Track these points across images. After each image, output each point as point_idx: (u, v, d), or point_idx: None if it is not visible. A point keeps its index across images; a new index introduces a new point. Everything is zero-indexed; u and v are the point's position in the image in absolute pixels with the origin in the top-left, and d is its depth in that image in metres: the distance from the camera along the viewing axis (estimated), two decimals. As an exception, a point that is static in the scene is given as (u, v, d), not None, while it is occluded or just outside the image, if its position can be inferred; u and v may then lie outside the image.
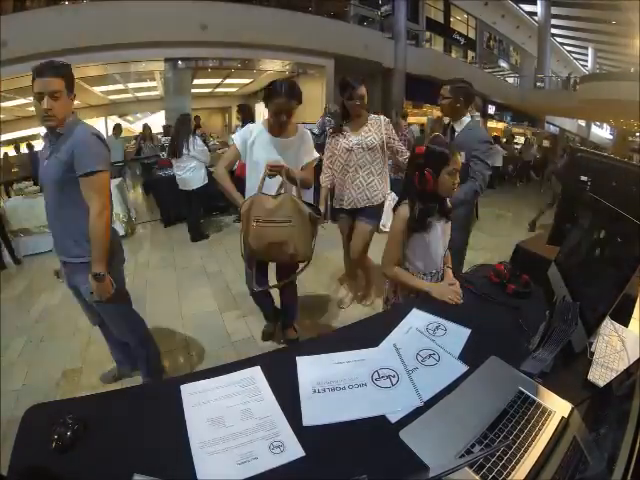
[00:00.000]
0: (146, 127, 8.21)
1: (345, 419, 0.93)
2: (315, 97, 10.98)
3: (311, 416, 0.94)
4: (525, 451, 0.80)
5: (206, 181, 4.68)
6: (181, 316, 3.07)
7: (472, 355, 1.12)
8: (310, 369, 1.09)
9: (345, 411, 0.95)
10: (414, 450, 0.83)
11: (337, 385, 1.04)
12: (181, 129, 4.58)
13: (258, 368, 1.08)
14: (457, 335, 1.22)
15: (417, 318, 1.32)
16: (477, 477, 0.74)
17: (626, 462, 0.61)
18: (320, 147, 2.93)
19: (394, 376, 1.06)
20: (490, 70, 18.77)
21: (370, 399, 0.99)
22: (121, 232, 5.21)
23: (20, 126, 11.99)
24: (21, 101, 10.94)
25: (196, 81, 11.81)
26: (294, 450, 0.85)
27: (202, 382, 1.02)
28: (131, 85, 12.06)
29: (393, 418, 0.92)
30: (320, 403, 0.98)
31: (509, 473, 0.75)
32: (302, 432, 0.88)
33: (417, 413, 0.94)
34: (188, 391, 0.99)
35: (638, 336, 1.19)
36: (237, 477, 0.79)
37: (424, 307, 1.37)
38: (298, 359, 1.12)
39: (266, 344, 2.64)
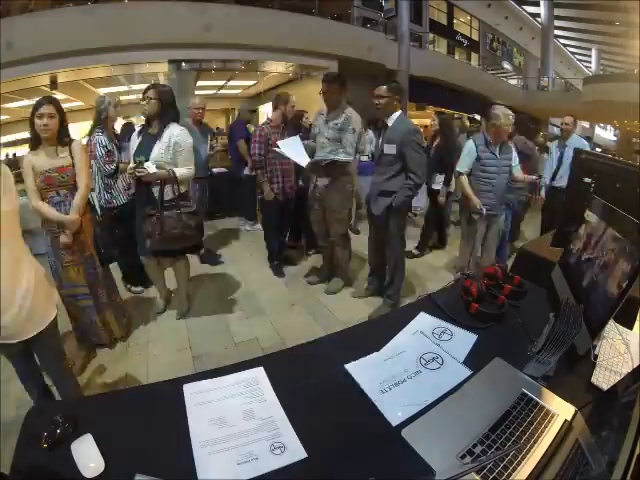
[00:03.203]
0: None
1: (424, 404, 0.96)
2: (318, 99, 10.95)
3: (394, 415, 0.94)
4: (527, 453, 0.79)
5: None
6: (184, 317, 3.08)
7: (476, 359, 1.12)
8: (365, 372, 1.09)
9: (419, 398, 0.98)
10: (416, 449, 0.83)
11: (399, 379, 1.06)
12: None
13: (261, 369, 1.08)
14: (463, 340, 1.22)
15: (423, 322, 1.32)
16: (478, 478, 0.74)
17: (625, 464, 0.61)
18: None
19: (437, 358, 1.12)
20: (493, 72, 18.76)
21: (431, 382, 1.04)
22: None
23: (24, 127, 12.04)
24: (26, 102, 11.00)
25: (200, 82, 11.85)
26: (295, 451, 0.85)
27: (205, 382, 1.03)
28: (135, 87, 12.10)
29: (394, 420, 0.92)
30: (394, 400, 1.00)
31: (510, 474, 0.75)
32: (304, 434, 0.88)
33: (420, 412, 0.93)
34: (191, 391, 1.00)
35: (642, 339, 1.18)
36: (237, 477, 0.79)
37: (431, 311, 1.37)
38: (348, 366, 1.10)
39: (268, 345, 2.65)
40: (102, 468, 0.79)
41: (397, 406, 0.97)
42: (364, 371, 1.08)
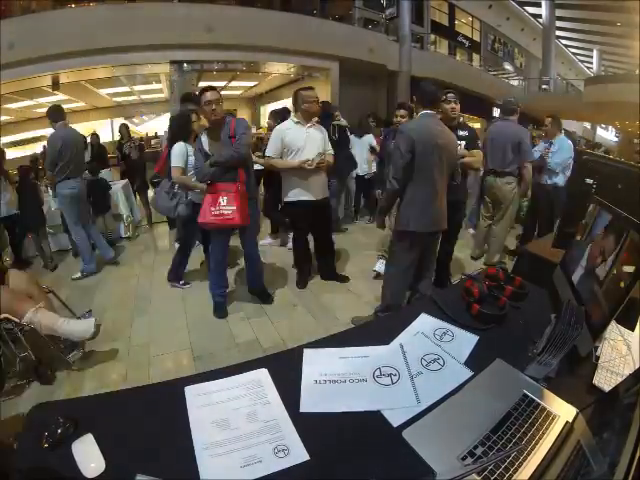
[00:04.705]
0: None
1: (340, 410, 0.95)
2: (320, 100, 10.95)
3: (308, 404, 0.97)
4: (528, 454, 0.79)
5: None
6: (185, 317, 3.08)
7: (478, 360, 1.12)
8: (315, 361, 1.12)
9: (342, 403, 0.97)
10: (416, 450, 0.83)
11: (338, 378, 1.06)
12: None
13: (265, 370, 1.08)
14: (464, 341, 1.21)
15: (425, 323, 1.31)
16: (479, 479, 0.74)
17: (627, 466, 0.61)
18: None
19: (395, 375, 1.07)
20: (495, 73, 18.75)
21: (368, 394, 1.01)
22: (125, 234, 5.27)
23: (26, 127, 12.09)
24: (27, 103, 11.03)
25: (201, 83, 11.86)
26: (299, 454, 0.84)
27: (207, 384, 1.02)
28: (137, 87, 12.14)
29: (395, 421, 0.92)
30: (319, 393, 1.01)
31: (511, 476, 0.75)
32: (307, 436, 0.88)
33: (421, 414, 0.93)
34: (193, 393, 0.99)
35: (644, 340, 1.18)
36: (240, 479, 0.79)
37: (433, 312, 1.36)
38: (305, 351, 1.15)
39: (270, 346, 2.65)
40: (102, 468, 0.79)
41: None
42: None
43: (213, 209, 2.76)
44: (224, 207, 2.76)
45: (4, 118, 10.50)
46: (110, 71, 10.16)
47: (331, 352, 1.16)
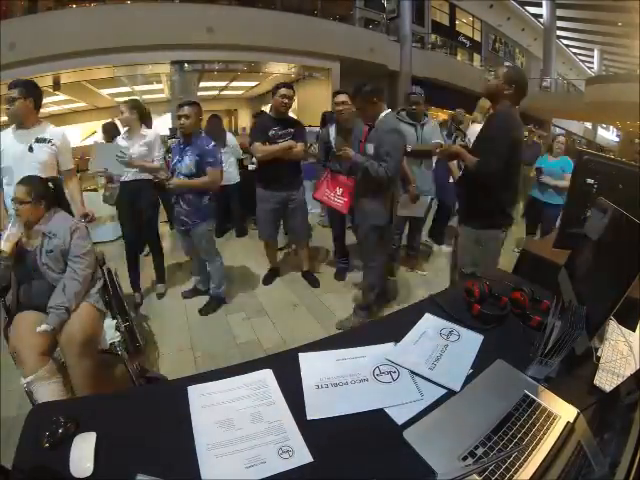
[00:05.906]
0: None
1: (347, 412, 0.95)
2: (321, 99, 11.02)
3: (314, 410, 0.96)
4: (529, 455, 0.79)
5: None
6: (186, 317, 3.09)
7: (479, 360, 1.12)
8: (313, 366, 1.11)
9: (347, 405, 0.97)
10: (417, 450, 0.83)
11: (340, 381, 1.05)
12: (215, 125, 4.70)
13: (270, 371, 1.07)
14: (470, 341, 1.21)
15: (430, 322, 1.31)
16: (479, 479, 0.74)
17: (628, 466, 0.61)
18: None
19: (394, 372, 1.08)
20: (496, 73, 18.70)
21: (372, 393, 1.01)
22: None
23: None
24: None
25: (202, 84, 11.88)
26: (303, 455, 0.84)
27: (211, 384, 1.02)
28: (138, 88, 12.14)
29: (400, 419, 0.92)
30: (323, 398, 1.00)
31: (512, 476, 0.75)
32: (310, 437, 0.88)
33: (422, 414, 0.93)
34: (196, 393, 0.99)
35: (645, 341, 1.18)
36: (244, 480, 0.79)
37: (434, 312, 1.36)
38: (301, 356, 1.14)
39: (270, 347, 2.65)
40: (90, 471, 0.79)
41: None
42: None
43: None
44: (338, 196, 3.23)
45: (4, 118, 10.51)
46: (111, 71, 10.18)
47: (328, 355, 1.15)
